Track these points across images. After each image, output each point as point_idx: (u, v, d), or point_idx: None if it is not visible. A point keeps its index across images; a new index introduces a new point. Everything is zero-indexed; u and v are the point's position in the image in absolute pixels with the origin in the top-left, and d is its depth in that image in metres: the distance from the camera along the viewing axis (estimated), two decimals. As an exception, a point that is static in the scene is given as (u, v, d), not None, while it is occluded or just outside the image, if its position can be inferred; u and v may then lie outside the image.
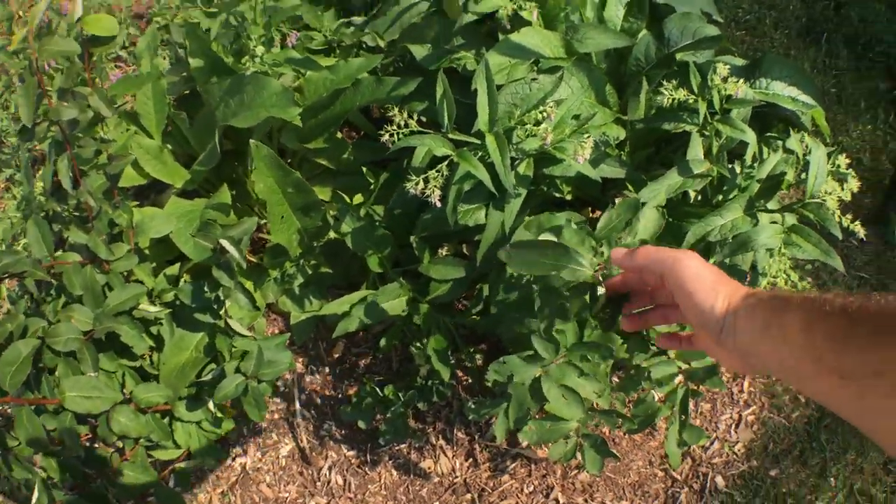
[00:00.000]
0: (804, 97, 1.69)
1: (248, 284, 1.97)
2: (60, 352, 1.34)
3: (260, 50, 1.70)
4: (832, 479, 1.76)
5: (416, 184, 1.49)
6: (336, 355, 2.08)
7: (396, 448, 1.91)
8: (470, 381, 1.96)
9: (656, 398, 1.57)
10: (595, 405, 1.48)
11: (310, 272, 2.02)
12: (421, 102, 2.02)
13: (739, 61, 1.76)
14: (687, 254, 0.73)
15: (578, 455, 1.41)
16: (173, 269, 1.78)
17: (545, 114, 1.54)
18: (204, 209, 1.79)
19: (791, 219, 1.45)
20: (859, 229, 1.37)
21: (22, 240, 2.02)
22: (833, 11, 2.59)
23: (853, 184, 1.43)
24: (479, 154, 1.55)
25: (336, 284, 2.14)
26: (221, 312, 1.72)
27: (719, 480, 1.79)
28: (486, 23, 1.98)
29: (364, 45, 2.23)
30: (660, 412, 1.51)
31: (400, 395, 1.83)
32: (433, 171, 1.50)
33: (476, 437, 1.90)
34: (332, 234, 2.02)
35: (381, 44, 2.15)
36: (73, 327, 1.36)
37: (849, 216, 1.37)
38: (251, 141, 1.67)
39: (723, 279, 0.71)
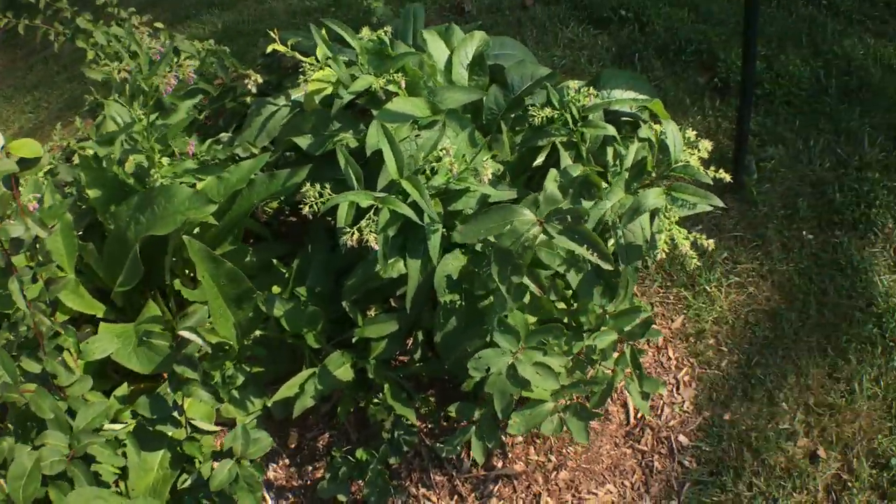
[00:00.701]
0: (642, 95, 2.07)
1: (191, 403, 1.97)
2: (47, 477, 1.32)
3: (165, 161, 1.82)
4: (783, 403, 2.04)
5: (351, 234, 1.64)
6: (292, 445, 2.12)
7: (381, 512, 1.95)
8: (430, 426, 2.07)
9: (608, 371, 1.77)
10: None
11: (248, 370, 2.06)
12: (314, 187, 2.20)
13: (580, 82, 2.11)
14: None
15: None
16: (122, 390, 1.78)
17: (444, 151, 1.77)
18: (137, 325, 1.83)
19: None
20: (724, 175, 1.69)
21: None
22: (639, 33, 3.13)
23: (706, 144, 1.76)
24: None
25: (271, 381, 2.18)
26: (182, 419, 1.74)
27: (682, 439, 2.01)
28: (355, 106, 2.21)
29: (237, 157, 2.38)
30: (616, 378, 1.71)
31: (374, 452, 1.90)
32: (364, 220, 1.66)
33: (454, 474, 2.00)
34: (257, 332, 2.09)
35: (255, 151, 2.32)
36: (56, 450, 1.36)
37: (712, 168, 1.68)
38: (184, 237, 1.77)
39: None
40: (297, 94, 2.35)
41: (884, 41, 2.95)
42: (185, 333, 1.55)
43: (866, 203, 2.38)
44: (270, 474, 2.06)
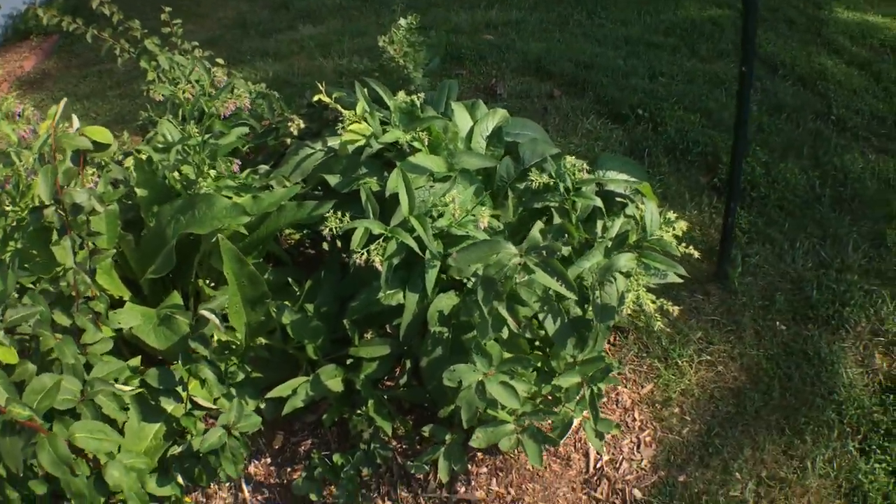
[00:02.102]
0: (633, 178, 2.39)
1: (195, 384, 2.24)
2: (56, 411, 1.59)
3: (213, 173, 2.16)
4: (737, 473, 2.25)
5: (361, 255, 1.94)
6: (276, 446, 2.36)
7: (347, 518, 2.16)
8: (404, 446, 2.31)
9: (569, 412, 2.02)
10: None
11: (248, 370, 2.33)
12: (336, 215, 2.51)
13: (582, 162, 2.44)
14: None
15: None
16: (135, 361, 2.06)
17: (451, 198, 2.09)
18: (159, 309, 2.12)
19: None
20: (693, 251, 1.98)
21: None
22: (652, 131, 3.51)
23: (682, 224, 2.05)
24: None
25: (266, 387, 2.43)
26: (184, 395, 2.01)
27: (636, 493, 2.22)
28: (382, 157, 2.55)
29: (270, 188, 2.72)
30: (575, 415, 1.96)
31: (349, 457, 2.15)
32: (373, 244, 1.96)
33: (419, 493, 2.22)
34: (262, 340, 2.38)
35: (288, 185, 2.65)
36: (70, 390, 1.63)
37: (684, 244, 1.97)
38: (219, 236, 2.08)
39: None
40: (333, 142, 2.71)
41: (885, 157, 3.29)
42: (205, 313, 1.84)
43: (842, 302, 2.66)
44: (252, 469, 2.31)
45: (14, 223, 2.20)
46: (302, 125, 2.71)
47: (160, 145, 2.44)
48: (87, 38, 2.94)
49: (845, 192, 3.11)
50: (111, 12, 2.86)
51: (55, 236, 2.24)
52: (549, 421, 1.99)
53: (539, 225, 1.92)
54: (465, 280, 2.32)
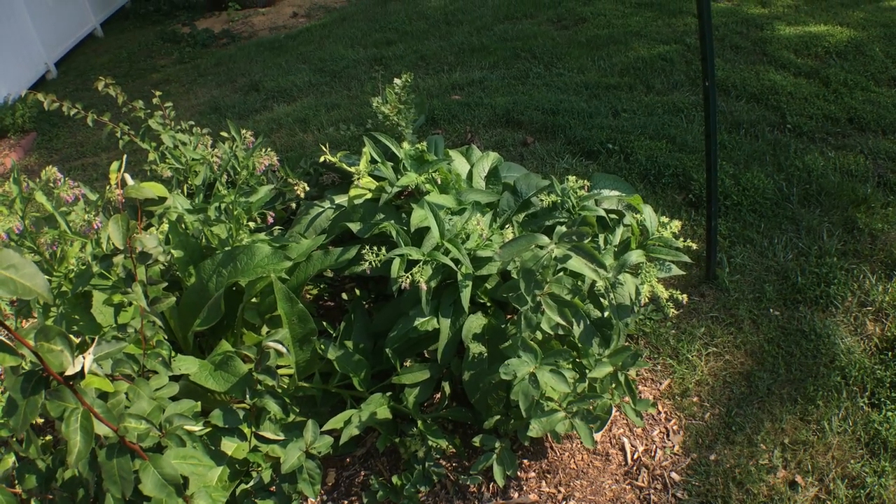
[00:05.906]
0: (624, 194, 2.69)
1: (246, 431, 2.39)
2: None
3: (252, 225, 2.38)
4: (761, 444, 2.47)
5: (406, 279, 2.17)
6: (330, 483, 2.50)
7: (410, 538, 2.31)
8: (454, 464, 2.48)
9: (607, 400, 2.25)
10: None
11: (297, 411, 2.50)
12: (359, 265, 2.74)
13: (583, 181, 2.73)
14: None
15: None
16: (196, 407, 2.21)
17: (476, 221, 2.35)
18: (212, 356, 2.29)
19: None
20: (692, 244, 2.27)
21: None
22: (624, 161, 3.84)
23: (675, 223, 2.34)
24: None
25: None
26: (248, 432, 2.17)
27: (674, 476, 2.42)
28: (397, 200, 2.82)
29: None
30: (613, 400, 2.18)
31: (409, 475, 2.31)
32: (415, 268, 2.20)
33: (476, 504, 2.38)
34: (303, 384, 2.56)
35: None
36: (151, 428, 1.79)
37: (681, 239, 2.26)
38: (272, 275, 2.27)
39: None
40: (340, 199, 2.98)
41: (844, 152, 3.67)
42: (271, 344, 2.02)
43: (826, 282, 2.96)
44: (310, 507, 2.44)
45: (56, 288, 2.36)
46: (307, 188, 2.96)
47: (200, 204, 2.64)
48: (88, 122, 3.15)
49: (811, 188, 3.48)
50: (115, 93, 3.08)
51: (95, 300, 2.42)
52: (592, 407, 2.20)
53: (562, 227, 2.18)
54: (488, 303, 2.57)
